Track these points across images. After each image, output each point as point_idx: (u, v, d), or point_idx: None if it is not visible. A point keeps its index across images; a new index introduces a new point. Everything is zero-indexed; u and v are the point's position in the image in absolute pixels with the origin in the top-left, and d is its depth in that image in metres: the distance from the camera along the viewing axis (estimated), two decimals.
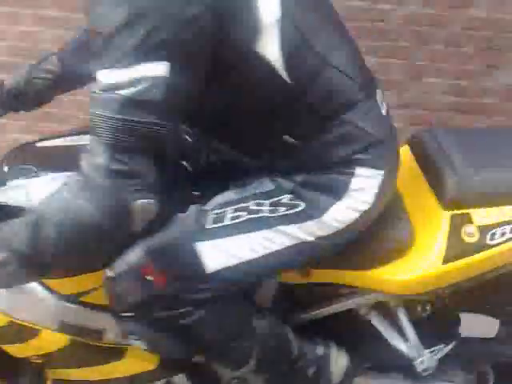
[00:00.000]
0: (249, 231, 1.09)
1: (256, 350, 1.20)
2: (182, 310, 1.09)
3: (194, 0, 0.88)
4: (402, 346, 1.36)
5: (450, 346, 1.40)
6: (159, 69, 0.87)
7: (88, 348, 1.24)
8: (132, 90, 0.86)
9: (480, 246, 1.19)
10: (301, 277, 1.30)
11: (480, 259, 1.19)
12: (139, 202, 0.93)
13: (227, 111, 1.06)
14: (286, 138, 1.07)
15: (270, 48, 0.96)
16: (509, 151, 1.29)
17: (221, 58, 0.95)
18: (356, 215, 1.11)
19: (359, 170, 1.09)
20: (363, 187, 1.10)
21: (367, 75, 1.14)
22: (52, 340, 1.24)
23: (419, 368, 1.37)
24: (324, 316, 1.37)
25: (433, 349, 1.39)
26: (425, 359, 1.37)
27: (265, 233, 1.09)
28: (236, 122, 1.08)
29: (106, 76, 0.87)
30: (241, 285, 1.14)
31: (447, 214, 1.20)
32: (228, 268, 1.09)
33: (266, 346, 1.21)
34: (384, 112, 1.14)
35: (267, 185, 1.13)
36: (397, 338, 1.37)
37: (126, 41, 0.86)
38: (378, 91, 1.16)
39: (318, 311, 1.36)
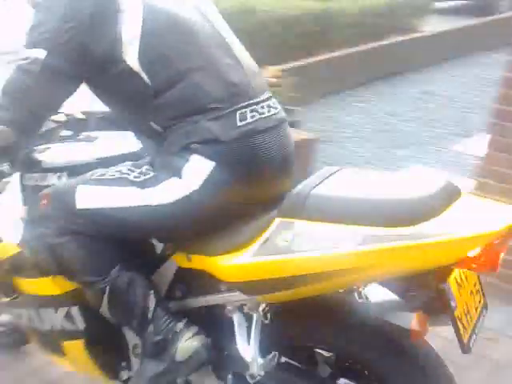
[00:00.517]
0: (115, 186, 1.47)
1: (108, 287, 1.51)
2: (52, 231, 1.50)
3: (71, 18, 1.38)
4: (242, 348, 1.49)
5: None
6: (39, 53, 1.39)
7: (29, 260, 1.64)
8: (24, 62, 1.41)
9: (287, 250, 1.32)
10: (186, 261, 1.57)
11: (283, 261, 1.33)
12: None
13: (111, 98, 1.54)
14: (153, 124, 1.47)
15: (130, 57, 1.40)
16: (361, 185, 1.40)
17: (95, 59, 1.41)
18: (185, 193, 1.41)
19: (194, 157, 1.41)
20: (194, 171, 1.40)
21: (235, 92, 1.45)
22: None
23: (249, 372, 1.47)
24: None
25: (267, 357, 1.47)
26: (256, 365, 1.46)
27: (125, 189, 1.46)
28: (116, 108, 1.58)
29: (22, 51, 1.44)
30: (101, 229, 1.49)
31: (278, 220, 1.37)
32: (93, 210, 1.48)
33: (117, 290, 1.52)
34: (239, 123, 1.43)
35: (144, 157, 1.55)
36: (242, 340, 1.50)
37: (30, 35, 1.42)
38: (259, 106, 1.46)
39: (190, 300, 1.60)
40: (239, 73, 1.48)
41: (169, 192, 1.42)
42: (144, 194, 1.44)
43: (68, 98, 1.47)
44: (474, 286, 1.43)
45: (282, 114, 1.56)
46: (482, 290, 1.47)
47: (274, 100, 1.56)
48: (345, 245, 1.25)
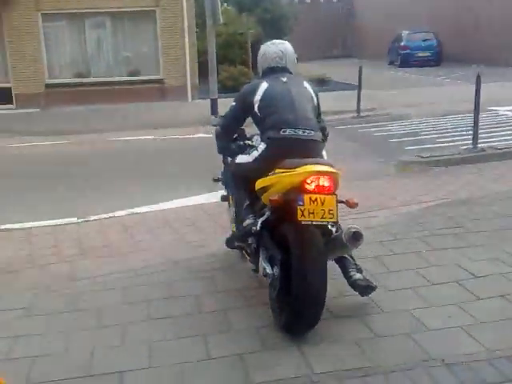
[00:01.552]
0: (243, 154, 3.78)
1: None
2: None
3: (240, 100, 3.74)
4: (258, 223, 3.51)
5: None
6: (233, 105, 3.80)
7: None
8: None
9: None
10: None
11: (263, 181, 3.48)
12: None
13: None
14: (259, 131, 3.77)
15: (256, 109, 3.62)
16: None
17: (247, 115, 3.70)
18: (256, 156, 3.58)
19: (262, 143, 3.58)
20: (259, 148, 3.56)
21: (286, 121, 3.52)
22: None
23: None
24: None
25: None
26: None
27: (245, 155, 3.75)
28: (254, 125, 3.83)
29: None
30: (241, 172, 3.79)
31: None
32: (238, 163, 3.81)
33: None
34: (282, 133, 3.49)
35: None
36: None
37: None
38: None
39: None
40: (291, 114, 3.43)
41: (253, 156, 3.59)
42: (248, 157, 3.64)
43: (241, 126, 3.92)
44: (328, 205, 3.01)
45: (311, 135, 3.42)
46: (335, 212, 3.05)
47: (309, 129, 3.42)
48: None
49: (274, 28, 25.13)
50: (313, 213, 2.96)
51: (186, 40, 16.38)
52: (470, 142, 7.96)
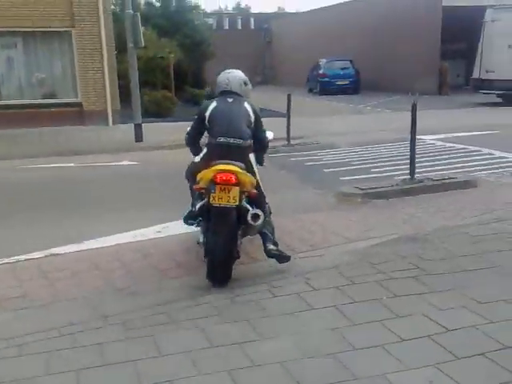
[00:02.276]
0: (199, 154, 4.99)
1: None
2: None
3: (198, 114, 4.76)
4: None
5: None
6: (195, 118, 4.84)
7: None
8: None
9: None
10: None
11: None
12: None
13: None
14: (207, 136, 4.76)
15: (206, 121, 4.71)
16: None
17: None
18: (201, 156, 4.83)
19: (204, 147, 4.83)
20: (204, 151, 4.80)
21: (220, 132, 4.61)
22: None
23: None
24: None
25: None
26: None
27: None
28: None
29: None
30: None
31: None
32: (192, 161, 5.09)
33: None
34: (217, 140, 4.58)
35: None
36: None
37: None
38: None
39: None
40: (227, 126, 4.48)
41: (199, 157, 4.79)
42: (198, 157, 4.82)
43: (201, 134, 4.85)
44: (232, 194, 4.21)
45: (239, 143, 4.47)
46: (237, 198, 4.22)
47: (238, 139, 4.47)
48: None
49: (197, 53, 24.81)
50: (221, 198, 4.22)
51: (105, 63, 15.66)
52: (405, 172, 7.85)
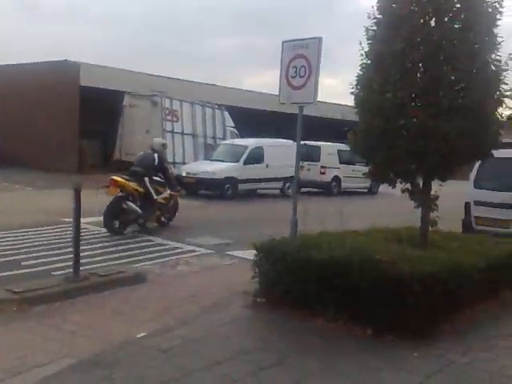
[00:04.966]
0: None
1: None
2: None
3: None
4: None
5: None
6: None
7: None
8: None
9: None
10: None
11: None
12: None
13: None
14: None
15: None
16: None
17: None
18: None
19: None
20: None
21: None
22: None
23: None
24: None
25: None
26: None
27: None
28: None
29: None
30: None
31: None
32: None
33: None
34: None
35: None
36: None
37: None
38: None
39: None
40: (138, 162, 11.54)
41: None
42: None
43: None
44: (113, 192, 10.28)
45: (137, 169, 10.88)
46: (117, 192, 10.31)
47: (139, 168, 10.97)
48: None
49: None
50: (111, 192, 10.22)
51: None
52: (65, 264, 6.76)
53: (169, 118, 21.66)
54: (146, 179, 10.52)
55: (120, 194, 10.15)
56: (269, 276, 5.96)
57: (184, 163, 20.55)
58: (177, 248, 9.21)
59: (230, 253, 8.97)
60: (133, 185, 10.24)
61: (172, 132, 21.56)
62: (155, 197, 10.59)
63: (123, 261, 7.99)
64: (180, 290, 6.62)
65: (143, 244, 9.38)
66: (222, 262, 8.46)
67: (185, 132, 22.15)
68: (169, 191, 11.04)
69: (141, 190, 10.35)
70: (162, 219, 11.25)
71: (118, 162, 21.38)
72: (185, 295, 6.34)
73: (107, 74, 23.34)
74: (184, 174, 18.56)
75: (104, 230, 10.11)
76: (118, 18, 65.67)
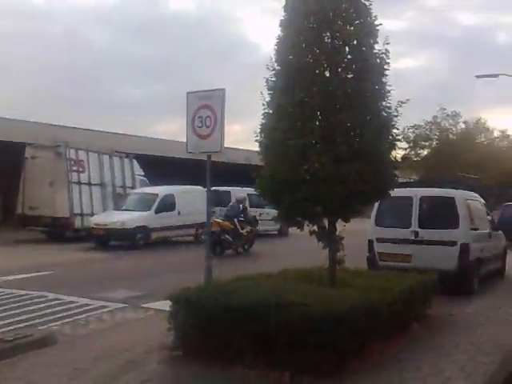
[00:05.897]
0: None
1: None
2: None
3: None
4: None
5: None
6: None
7: None
8: None
9: None
10: None
11: None
12: None
13: None
14: None
15: None
16: None
17: None
18: None
19: None
20: None
21: None
22: None
23: None
24: None
25: None
26: None
27: None
28: None
29: None
30: None
31: None
32: None
33: None
34: None
35: None
36: None
37: None
38: None
39: None
40: None
41: None
42: None
43: None
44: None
45: None
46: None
47: None
48: None
49: None
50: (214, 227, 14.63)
51: None
52: None
53: (75, 168, 21.04)
54: (235, 220, 16.34)
55: (218, 229, 15.42)
56: (185, 326, 5.90)
57: (92, 214, 20.00)
58: (87, 305, 8.88)
59: (145, 305, 8.79)
60: (227, 223, 16.08)
61: (78, 183, 20.94)
62: (241, 231, 16.31)
63: (31, 322, 7.62)
64: (93, 350, 6.38)
65: (52, 303, 8.99)
66: (136, 316, 8.27)
67: (92, 182, 21.56)
68: (249, 227, 16.83)
69: (232, 226, 16.07)
70: (246, 246, 16.75)
71: (21, 216, 20.49)
72: (99, 355, 6.13)
73: (5, 126, 22.57)
74: (93, 226, 18.08)
75: (5, 290, 9.63)
76: (14, 65, 63.70)
